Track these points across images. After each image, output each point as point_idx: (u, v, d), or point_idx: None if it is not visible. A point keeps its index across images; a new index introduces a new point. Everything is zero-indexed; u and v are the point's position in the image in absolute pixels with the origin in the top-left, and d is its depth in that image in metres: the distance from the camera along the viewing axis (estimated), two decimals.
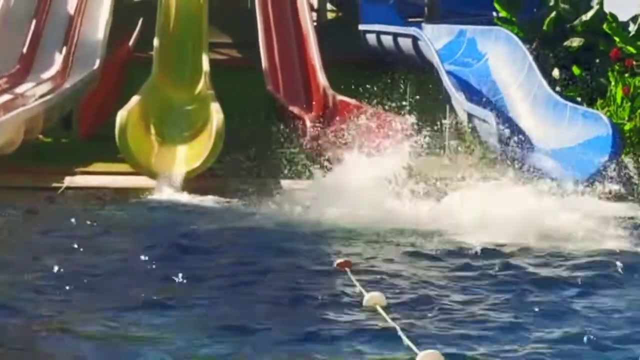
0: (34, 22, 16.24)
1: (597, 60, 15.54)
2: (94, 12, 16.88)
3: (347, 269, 7.07)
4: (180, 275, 6.84)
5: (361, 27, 18.13)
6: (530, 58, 13.76)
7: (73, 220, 9.10)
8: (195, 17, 17.39)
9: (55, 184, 11.46)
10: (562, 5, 16.57)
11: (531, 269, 7.39)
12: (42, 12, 16.53)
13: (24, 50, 15.74)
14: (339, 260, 7.35)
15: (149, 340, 5.30)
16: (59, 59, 15.66)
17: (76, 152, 15.05)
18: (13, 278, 6.76)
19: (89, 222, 9.09)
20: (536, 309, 6.10)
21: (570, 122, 12.49)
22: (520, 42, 14.24)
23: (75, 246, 7.88)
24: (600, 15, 16.11)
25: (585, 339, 5.35)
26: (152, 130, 13.55)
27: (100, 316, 5.76)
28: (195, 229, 8.95)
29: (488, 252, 7.90)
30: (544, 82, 13.29)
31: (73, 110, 16.05)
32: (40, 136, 15.22)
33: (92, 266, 7.24)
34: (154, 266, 7.27)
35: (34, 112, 12.92)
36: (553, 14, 16.39)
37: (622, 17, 16.14)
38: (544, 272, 7.34)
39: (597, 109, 13.64)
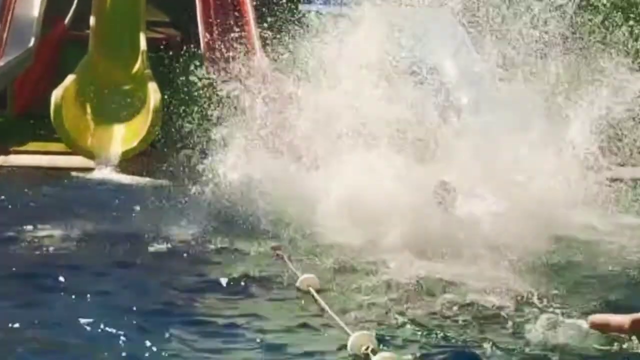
0: None
1: None
2: None
3: (282, 253, 7.07)
4: (108, 260, 6.76)
5: (302, 7, 18.01)
6: None
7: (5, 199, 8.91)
8: None
9: None
10: None
11: None
12: None
13: None
14: (273, 244, 7.37)
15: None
16: None
17: (11, 130, 14.79)
18: None
19: (20, 204, 8.90)
20: None
21: None
22: None
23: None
24: None
25: None
26: (89, 110, 13.37)
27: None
28: (126, 210, 8.69)
29: None
30: None
31: (7, 88, 15.80)
32: None
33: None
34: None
35: None
36: None
37: None
38: None
39: None
